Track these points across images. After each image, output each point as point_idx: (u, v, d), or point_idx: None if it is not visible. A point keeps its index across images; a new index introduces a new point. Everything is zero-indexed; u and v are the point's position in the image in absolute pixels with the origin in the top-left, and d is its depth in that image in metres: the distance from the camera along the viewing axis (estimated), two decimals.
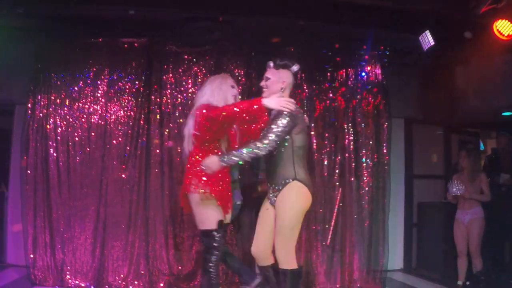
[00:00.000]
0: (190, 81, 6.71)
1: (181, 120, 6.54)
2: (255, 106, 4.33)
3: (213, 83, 4.81)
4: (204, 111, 4.51)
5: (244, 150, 4.24)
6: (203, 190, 4.54)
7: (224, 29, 6.14)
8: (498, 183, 7.00)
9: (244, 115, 4.35)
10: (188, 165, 4.68)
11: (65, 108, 6.57)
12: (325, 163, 6.77)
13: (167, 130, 6.64)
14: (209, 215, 4.59)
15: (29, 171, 6.47)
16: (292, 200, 4.39)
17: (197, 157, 4.59)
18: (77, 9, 5.91)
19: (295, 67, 4.60)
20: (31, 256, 6.44)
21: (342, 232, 6.74)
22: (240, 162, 4.30)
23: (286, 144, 4.40)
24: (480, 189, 6.51)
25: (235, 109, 4.36)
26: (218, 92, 4.72)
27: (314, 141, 6.78)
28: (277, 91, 4.52)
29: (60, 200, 6.47)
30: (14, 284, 6.33)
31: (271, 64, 4.58)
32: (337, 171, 6.77)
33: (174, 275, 6.47)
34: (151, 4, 5.85)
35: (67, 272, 6.40)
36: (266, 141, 4.23)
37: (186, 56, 6.72)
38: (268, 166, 4.58)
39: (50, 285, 6.35)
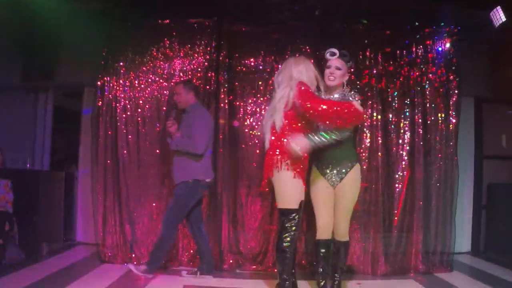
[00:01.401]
0: (259, 60, 6.68)
1: (250, 100, 6.65)
2: (347, 110, 4.48)
3: (304, 63, 4.81)
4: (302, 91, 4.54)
5: (330, 135, 4.56)
6: (294, 171, 4.58)
7: (293, 8, 6.11)
8: None
9: (335, 117, 4.48)
10: (279, 143, 4.63)
11: (134, 89, 6.65)
12: (394, 142, 6.63)
13: (236, 110, 6.66)
14: (292, 195, 4.61)
15: (99, 152, 6.59)
16: (358, 182, 4.90)
17: (289, 137, 4.56)
18: None
19: (349, 64, 4.90)
20: (101, 234, 6.57)
21: (410, 213, 6.59)
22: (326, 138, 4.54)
23: None
24: None
25: (324, 108, 4.44)
26: (309, 73, 4.74)
27: (382, 119, 6.65)
28: (342, 83, 4.86)
29: (130, 180, 6.58)
30: (84, 261, 6.52)
31: (337, 52, 4.77)
32: (405, 150, 6.63)
33: (242, 254, 6.53)
34: None
35: (136, 250, 6.49)
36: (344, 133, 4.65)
37: (254, 36, 6.68)
38: (331, 149, 4.72)
39: (119, 263, 6.44)
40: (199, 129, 5.68)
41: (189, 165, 5.72)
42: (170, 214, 5.76)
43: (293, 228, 4.60)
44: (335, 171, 4.81)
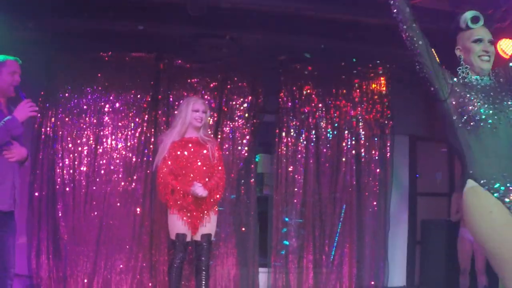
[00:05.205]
0: (197, 96, 6.66)
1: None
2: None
3: (180, 107, 5.26)
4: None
5: None
6: (171, 203, 4.97)
7: (232, 46, 6.21)
8: None
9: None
10: (160, 179, 5.05)
11: (73, 122, 6.59)
12: (328, 178, 6.79)
13: None
14: (172, 226, 5.03)
15: (35, 184, 6.49)
16: None
17: (165, 169, 5.01)
18: (87, 23, 6.00)
19: None
20: (34, 266, 6.44)
21: (343, 248, 6.75)
22: None
23: None
24: None
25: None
26: (182, 117, 5.10)
27: (316, 155, 6.82)
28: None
29: (65, 212, 6.47)
30: None
31: (481, 17, 3.10)
32: (339, 186, 6.78)
33: None
34: (160, 20, 5.91)
35: (70, 283, 6.38)
36: None
37: (193, 72, 6.75)
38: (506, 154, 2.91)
39: None
40: None
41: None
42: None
43: (174, 256, 4.97)
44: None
